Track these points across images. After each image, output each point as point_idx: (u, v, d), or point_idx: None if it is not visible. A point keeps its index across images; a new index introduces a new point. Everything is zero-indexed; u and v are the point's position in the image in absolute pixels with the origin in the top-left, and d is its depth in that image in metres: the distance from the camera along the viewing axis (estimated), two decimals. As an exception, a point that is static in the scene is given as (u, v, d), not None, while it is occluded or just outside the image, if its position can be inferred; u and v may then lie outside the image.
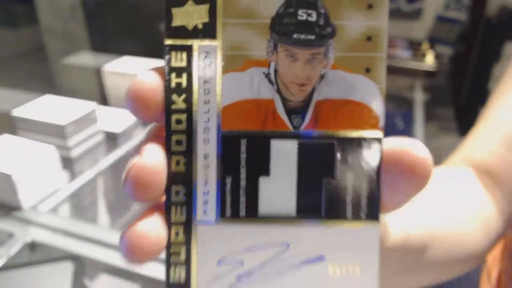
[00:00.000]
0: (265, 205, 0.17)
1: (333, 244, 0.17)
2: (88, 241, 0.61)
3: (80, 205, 0.74)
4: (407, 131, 1.04)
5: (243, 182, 0.17)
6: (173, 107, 0.17)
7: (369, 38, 0.17)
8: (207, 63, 0.17)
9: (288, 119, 0.17)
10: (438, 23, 1.76)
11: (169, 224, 0.17)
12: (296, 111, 0.17)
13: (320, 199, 0.17)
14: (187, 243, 0.17)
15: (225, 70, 0.17)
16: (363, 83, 0.17)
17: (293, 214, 0.17)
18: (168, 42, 0.17)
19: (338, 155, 0.17)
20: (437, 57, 1.49)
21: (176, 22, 0.17)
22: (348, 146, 0.17)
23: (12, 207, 0.67)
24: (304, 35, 0.17)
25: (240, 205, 0.17)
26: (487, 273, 0.43)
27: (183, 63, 0.17)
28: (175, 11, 0.16)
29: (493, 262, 0.42)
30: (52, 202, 0.70)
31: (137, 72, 0.93)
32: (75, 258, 0.56)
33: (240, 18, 0.17)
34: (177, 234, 0.17)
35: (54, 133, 0.79)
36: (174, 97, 0.17)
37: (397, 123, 1.08)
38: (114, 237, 0.62)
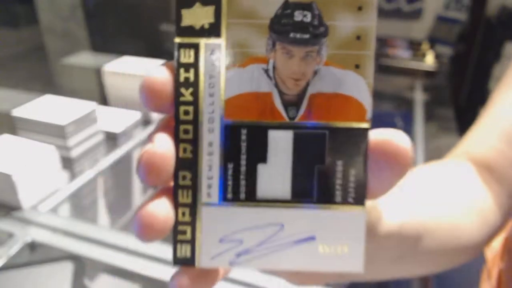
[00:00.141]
0: (263, 190, 0.19)
1: (324, 225, 0.19)
2: (88, 241, 0.62)
3: (80, 205, 0.74)
4: (407, 131, 1.03)
5: (243, 168, 0.18)
6: (182, 99, 0.18)
7: (358, 37, 0.18)
8: (212, 60, 0.18)
9: (285, 110, 0.18)
10: (438, 23, 1.76)
11: (176, 205, 0.18)
12: (291, 103, 0.18)
13: (312, 184, 0.19)
14: (193, 222, 0.19)
15: (229, 66, 0.18)
16: (353, 78, 0.18)
17: (288, 198, 0.19)
18: (177, 40, 0.18)
19: (330, 144, 0.18)
20: (437, 57, 1.49)
21: (185, 22, 0.18)
22: (338, 136, 0.18)
23: (12, 207, 0.67)
24: (299, 34, 0.18)
25: (240, 189, 0.19)
26: (487, 273, 0.43)
27: (191, 60, 0.18)
28: (184, 12, 0.18)
29: (493, 262, 0.42)
30: (52, 202, 0.70)
31: (137, 72, 0.93)
32: (75, 258, 0.56)
33: (243, 18, 0.18)
34: (183, 214, 0.19)
35: (54, 133, 0.79)
36: (183, 90, 0.18)
37: (397, 123, 1.08)
38: (114, 237, 0.62)
